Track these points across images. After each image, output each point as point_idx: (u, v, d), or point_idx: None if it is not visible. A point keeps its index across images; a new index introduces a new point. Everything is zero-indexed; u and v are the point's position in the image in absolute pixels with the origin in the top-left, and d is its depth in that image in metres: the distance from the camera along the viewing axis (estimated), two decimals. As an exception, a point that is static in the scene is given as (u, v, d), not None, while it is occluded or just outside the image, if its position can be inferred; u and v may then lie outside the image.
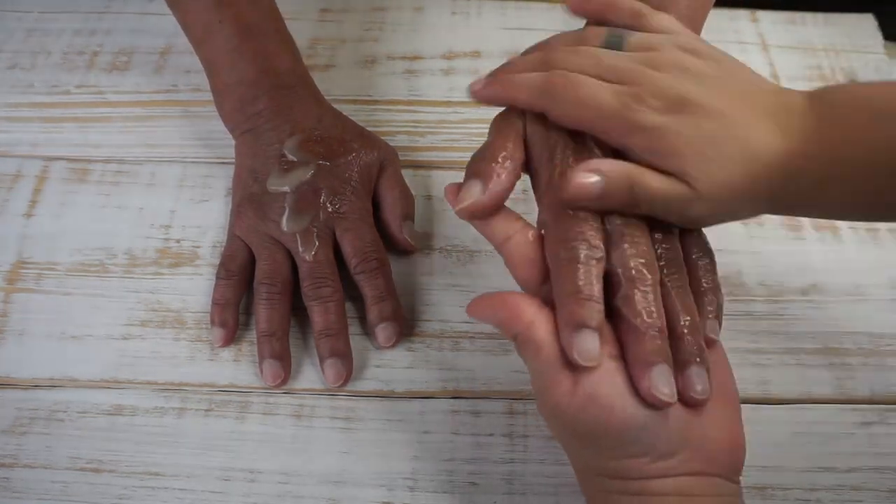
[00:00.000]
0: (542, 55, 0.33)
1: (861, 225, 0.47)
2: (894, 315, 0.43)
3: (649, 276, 0.30)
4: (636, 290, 0.29)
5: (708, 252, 0.33)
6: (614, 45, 0.32)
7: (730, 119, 0.30)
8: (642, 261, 0.30)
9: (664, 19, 0.33)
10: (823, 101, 0.31)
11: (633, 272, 0.30)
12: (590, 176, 0.30)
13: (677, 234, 0.32)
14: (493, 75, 0.34)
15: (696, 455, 0.29)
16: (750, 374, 0.41)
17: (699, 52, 0.32)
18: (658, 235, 0.32)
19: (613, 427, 0.28)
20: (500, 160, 0.32)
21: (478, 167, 0.32)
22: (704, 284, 0.32)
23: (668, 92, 0.30)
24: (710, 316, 0.32)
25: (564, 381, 0.29)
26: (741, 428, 0.30)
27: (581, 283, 0.29)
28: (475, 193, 0.32)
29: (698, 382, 0.29)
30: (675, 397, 0.28)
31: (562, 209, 0.31)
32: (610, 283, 0.31)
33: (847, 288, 0.44)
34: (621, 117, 0.30)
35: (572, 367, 0.29)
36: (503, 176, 0.32)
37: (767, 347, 0.42)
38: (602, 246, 0.30)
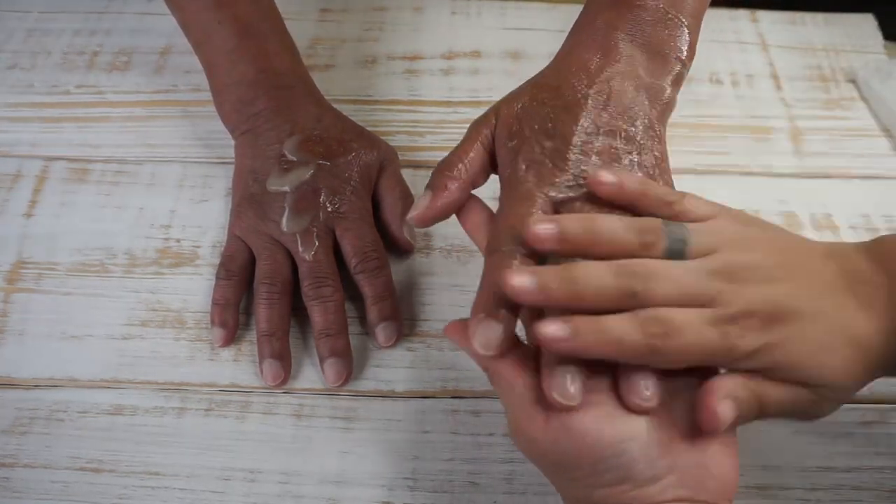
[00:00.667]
0: (624, 285, 0.29)
1: (861, 225, 0.47)
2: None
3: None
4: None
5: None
6: (677, 252, 0.30)
7: (825, 315, 0.29)
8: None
9: (692, 202, 0.32)
10: (883, 264, 0.31)
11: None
12: (726, 406, 0.28)
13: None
14: (574, 327, 0.28)
15: (683, 481, 0.28)
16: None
17: (751, 240, 0.31)
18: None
19: (587, 456, 0.28)
20: (453, 172, 0.35)
21: (433, 178, 0.35)
22: None
23: (759, 305, 0.29)
24: None
25: (537, 415, 0.29)
26: (735, 452, 0.29)
27: (494, 292, 0.30)
28: (423, 204, 0.34)
29: (643, 388, 0.28)
30: (578, 400, 0.28)
31: (511, 209, 0.32)
32: None
33: (847, 288, 0.44)
34: (727, 350, 0.28)
35: (544, 401, 0.28)
36: (454, 188, 0.34)
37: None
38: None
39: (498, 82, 0.54)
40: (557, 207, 0.32)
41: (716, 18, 0.58)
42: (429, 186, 0.35)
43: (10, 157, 0.50)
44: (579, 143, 0.33)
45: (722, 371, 0.29)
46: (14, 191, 0.48)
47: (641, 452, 0.28)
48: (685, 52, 0.37)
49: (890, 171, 0.50)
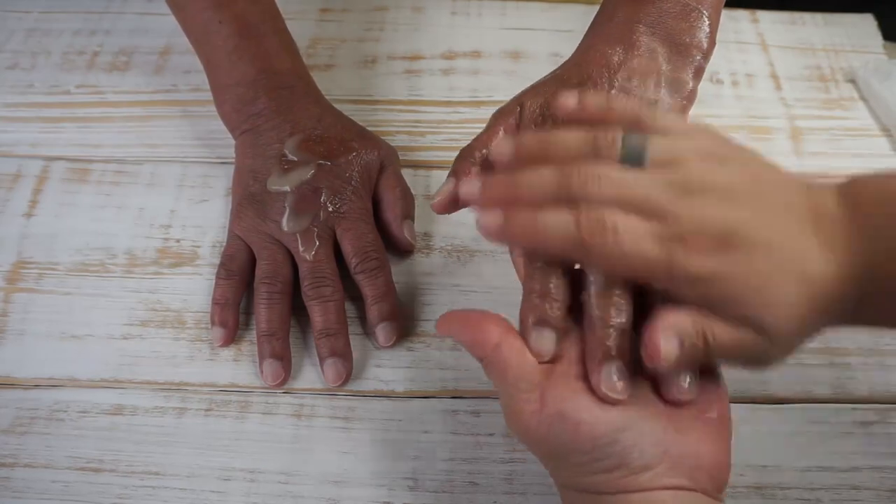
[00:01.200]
0: (555, 176, 0.29)
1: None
2: (894, 315, 0.43)
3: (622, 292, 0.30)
4: (603, 285, 0.30)
5: None
6: (635, 159, 0.29)
7: (780, 250, 0.27)
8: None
9: (669, 121, 0.31)
10: (856, 207, 0.28)
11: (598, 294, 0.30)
12: (670, 341, 0.27)
13: None
14: (509, 214, 0.29)
15: (676, 469, 0.28)
16: (750, 374, 0.41)
17: (723, 158, 0.29)
18: None
19: (582, 443, 0.28)
20: (476, 159, 0.34)
21: (456, 164, 0.35)
22: None
23: (711, 227, 0.27)
24: None
25: (531, 402, 0.29)
26: (728, 443, 0.29)
27: (543, 281, 0.30)
28: (446, 191, 0.34)
29: (680, 382, 0.29)
30: (626, 395, 0.28)
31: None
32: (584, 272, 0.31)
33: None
34: (669, 267, 0.27)
35: (538, 388, 0.29)
36: (476, 174, 0.34)
37: (767, 347, 0.42)
38: None
39: (498, 82, 0.54)
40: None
41: (716, 18, 0.58)
42: (451, 173, 0.35)
43: (10, 157, 0.50)
44: None
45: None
46: (14, 191, 0.48)
47: (634, 441, 0.28)
48: (706, 44, 0.36)
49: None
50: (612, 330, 0.29)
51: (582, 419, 0.28)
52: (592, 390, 0.29)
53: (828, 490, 0.37)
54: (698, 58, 0.36)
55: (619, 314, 0.29)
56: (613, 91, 0.34)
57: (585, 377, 0.29)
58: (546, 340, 0.30)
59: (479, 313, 0.31)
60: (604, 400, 0.28)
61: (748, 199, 0.28)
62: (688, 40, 0.36)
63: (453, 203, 0.35)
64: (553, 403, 0.28)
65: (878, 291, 0.28)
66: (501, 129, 0.35)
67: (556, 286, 0.30)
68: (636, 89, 0.34)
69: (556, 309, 0.30)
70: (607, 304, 0.29)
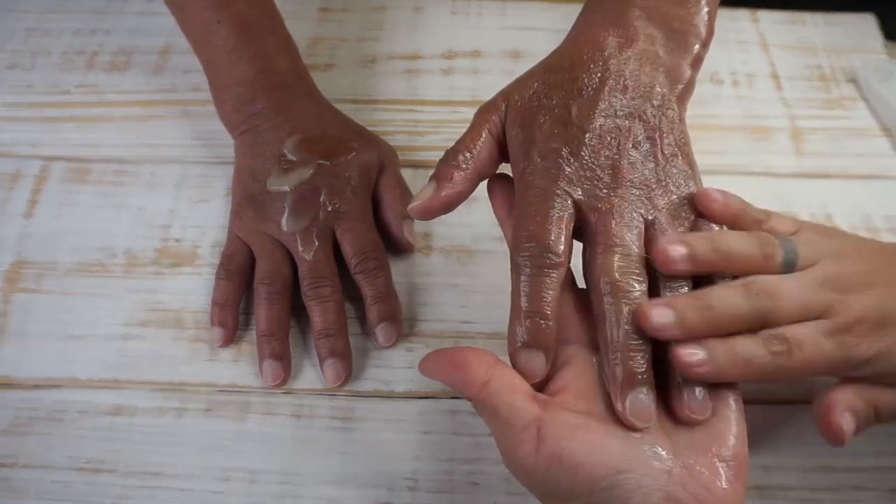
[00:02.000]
0: (755, 308, 0.29)
1: (861, 225, 0.47)
2: (895, 315, 0.43)
3: (633, 290, 0.29)
4: (618, 305, 0.29)
5: None
6: (790, 264, 0.31)
7: None
8: (627, 271, 0.29)
9: (777, 220, 0.33)
10: None
11: (615, 285, 0.29)
12: (847, 419, 0.30)
13: (686, 230, 0.31)
14: (709, 350, 0.29)
15: None
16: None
17: (848, 252, 0.32)
18: (659, 233, 0.31)
19: (580, 487, 0.27)
20: (459, 161, 0.33)
21: (438, 168, 0.34)
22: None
23: (867, 315, 0.30)
24: None
25: (527, 441, 0.28)
26: (742, 486, 0.28)
27: (532, 297, 0.29)
28: (425, 195, 0.33)
29: (695, 400, 0.28)
30: (653, 420, 0.28)
31: (528, 206, 0.31)
32: (590, 290, 0.30)
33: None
34: (845, 360, 0.29)
35: (533, 426, 0.28)
36: (458, 179, 0.33)
37: (768, 347, 0.42)
38: (563, 253, 0.30)
39: (498, 82, 0.53)
40: (580, 205, 0.31)
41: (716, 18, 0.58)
42: (433, 177, 0.34)
43: (10, 157, 0.50)
44: (597, 128, 0.32)
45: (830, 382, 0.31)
46: (14, 191, 0.48)
47: (637, 484, 0.26)
48: (704, 32, 0.35)
49: (890, 171, 0.50)
50: (636, 353, 0.28)
51: (582, 461, 0.27)
52: (593, 428, 0.28)
53: (829, 491, 0.37)
54: (696, 46, 0.34)
55: (638, 336, 0.29)
56: (607, 84, 0.33)
57: (586, 412, 0.28)
58: (536, 362, 0.29)
59: (462, 351, 0.30)
60: (630, 428, 0.28)
61: (880, 279, 0.31)
62: (685, 27, 0.34)
63: (435, 210, 0.33)
64: (550, 443, 0.27)
65: None
66: (485, 130, 0.34)
67: (547, 303, 0.30)
68: (631, 76, 0.33)
69: (546, 328, 0.29)
70: (630, 326, 0.29)
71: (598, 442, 0.27)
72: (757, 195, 0.48)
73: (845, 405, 0.30)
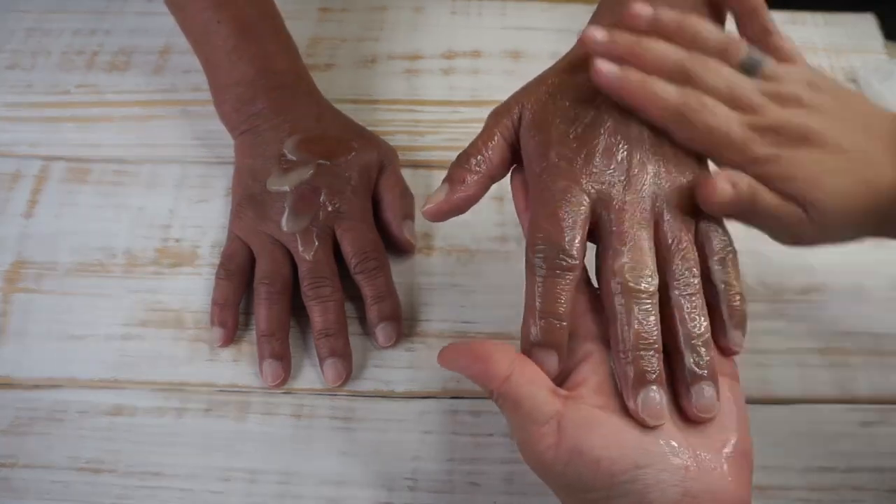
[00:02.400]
0: (681, 63, 0.32)
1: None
2: (895, 315, 0.43)
3: (644, 289, 0.29)
4: (629, 304, 0.29)
5: (728, 253, 0.32)
6: (750, 69, 0.33)
7: (850, 154, 0.31)
8: (637, 270, 0.29)
9: (788, 45, 0.34)
10: None
11: (626, 284, 0.29)
12: (725, 185, 0.30)
13: (691, 229, 0.31)
14: (624, 69, 0.32)
15: None
16: (751, 374, 0.41)
17: (821, 87, 0.33)
18: (666, 230, 0.31)
19: (601, 481, 0.27)
20: (471, 165, 0.33)
21: (451, 171, 0.34)
22: (723, 290, 0.31)
23: (791, 126, 0.31)
24: (732, 326, 0.31)
25: (547, 435, 0.28)
26: (749, 478, 0.28)
27: (545, 297, 0.30)
28: (438, 198, 0.33)
29: (703, 399, 0.28)
30: (666, 418, 0.28)
31: (545, 207, 0.31)
32: (601, 289, 0.30)
33: (848, 288, 0.44)
34: (744, 148, 0.31)
35: (554, 421, 0.28)
36: (471, 182, 0.33)
37: (768, 347, 0.42)
38: (577, 254, 0.30)
39: (498, 82, 0.54)
40: (594, 205, 0.31)
41: (716, 18, 0.58)
42: (446, 179, 0.34)
43: (10, 157, 0.50)
44: (611, 128, 0.32)
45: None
46: (14, 191, 0.48)
47: (655, 479, 0.27)
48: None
49: (890, 171, 0.50)
50: (644, 352, 0.29)
51: (602, 455, 0.27)
52: (612, 423, 0.28)
53: (829, 491, 0.37)
54: None
55: (649, 334, 0.29)
56: None
57: (605, 407, 0.28)
58: (549, 361, 0.30)
59: (485, 344, 0.30)
60: (642, 425, 0.28)
61: (832, 116, 0.32)
62: None
63: (448, 213, 0.33)
64: (571, 438, 0.27)
65: None
66: (498, 133, 0.34)
67: (561, 304, 0.30)
68: None
69: (560, 328, 0.30)
70: (636, 325, 0.29)
71: (617, 437, 0.27)
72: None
73: (729, 177, 0.31)
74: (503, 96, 0.36)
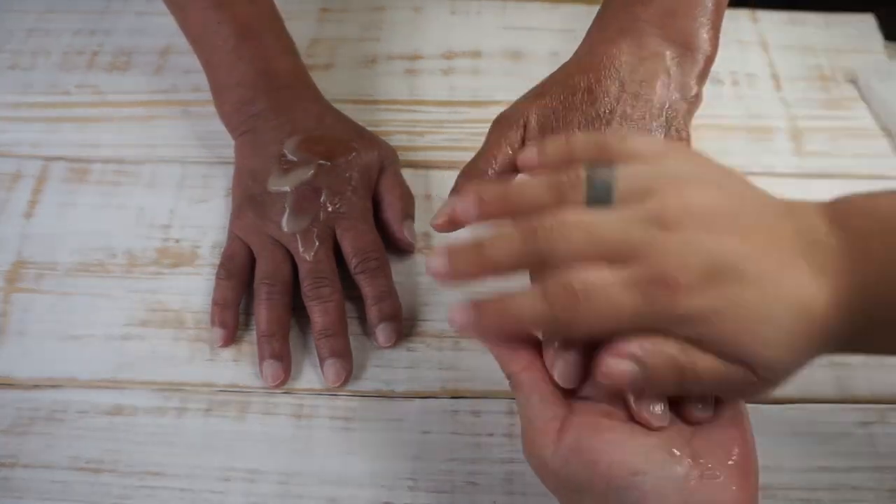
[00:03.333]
0: (521, 234, 0.27)
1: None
2: (894, 315, 0.43)
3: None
4: None
5: None
6: (603, 197, 0.27)
7: (772, 280, 0.26)
8: None
9: (636, 143, 0.29)
10: (845, 229, 0.27)
11: None
12: (621, 363, 0.26)
13: None
14: (477, 306, 0.27)
15: None
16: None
17: (699, 181, 0.27)
18: None
19: (597, 483, 0.26)
20: (480, 177, 0.34)
21: (458, 181, 0.34)
22: None
23: (695, 262, 0.25)
24: None
25: (549, 433, 0.27)
26: (755, 490, 0.27)
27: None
28: (447, 211, 0.31)
29: (651, 408, 0.28)
30: (667, 421, 0.27)
31: None
32: None
33: (847, 288, 0.44)
34: (654, 315, 0.25)
35: (558, 420, 0.28)
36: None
37: (767, 347, 0.42)
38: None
39: (498, 82, 0.54)
40: None
41: (716, 18, 0.58)
42: (453, 191, 0.34)
43: (10, 157, 0.50)
44: (615, 129, 0.32)
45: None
46: (14, 191, 0.48)
47: (654, 488, 0.26)
48: (710, 47, 0.36)
49: (890, 172, 0.50)
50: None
51: (600, 458, 0.26)
52: (615, 427, 0.27)
53: (828, 490, 0.37)
54: (703, 60, 0.36)
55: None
56: (621, 103, 0.33)
57: (611, 415, 0.28)
58: (571, 366, 0.28)
59: (517, 329, 0.28)
60: (644, 426, 0.27)
61: (731, 226, 0.26)
62: (694, 42, 0.35)
63: (458, 225, 0.32)
64: (571, 436, 0.27)
65: (873, 317, 0.27)
66: (506, 144, 0.34)
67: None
68: (645, 98, 0.34)
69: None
70: None
71: (619, 441, 0.27)
72: (757, 195, 0.49)
73: (631, 353, 0.25)
74: (503, 96, 0.36)
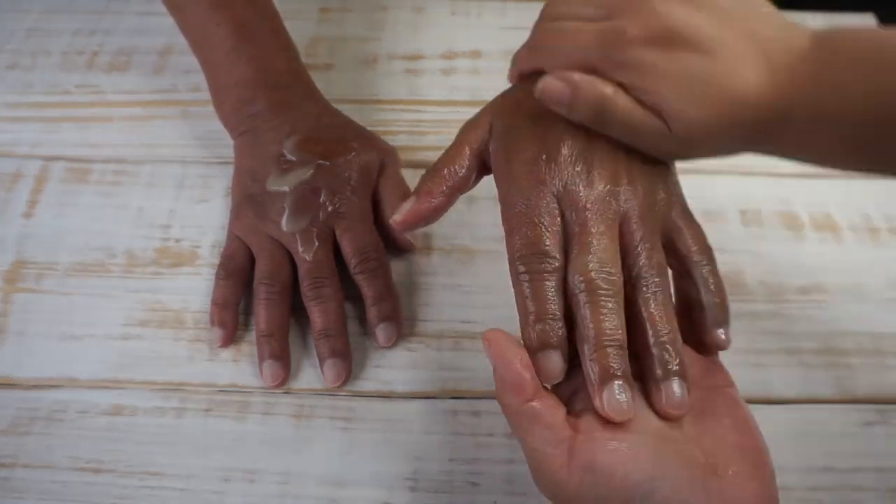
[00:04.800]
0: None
1: (861, 225, 0.47)
2: (895, 314, 0.43)
3: (606, 287, 0.29)
4: (592, 302, 0.29)
5: (703, 247, 0.32)
6: None
7: (717, 56, 0.28)
8: (600, 268, 0.29)
9: None
10: (827, 46, 0.29)
11: (590, 282, 0.29)
12: (557, 82, 0.30)
13: (657, 228, 0.31)
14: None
15: None
16: (750, 374, 0.41)
17: None
18: (633, 229, 0.31)
19: (616, 497, 0.26)
20: (439, 178, 0.34)
21: (419, 184, 0.34)
22: (703, 284, 0.31)
23: (655, 24, 0.29)
24: (715, 321, 0.31)
25: (559, 455, 0.27)
26: (771, 475, 0.28)
27: (536, 301, 0.29)
28: (405, 209, 0.34)
29: (674, 395, 0.28)
30: (632, 413, 0.28)
31: (516, 213, 0.31)
32: (567, 290, 0.30)
33: (847, 288, 0.44)
34: (605, 56, 0.30)
35: (566, 443, 0.28)
36: (439, 193, 0.34)
37: (768, 347, 0.42)
38: (558, 254, 0.30)
39: (498, 82, 0.53)
40: (560, 204, 0.31)
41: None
42: (414, 192, 0.34)
43: (10, 157, 0.50)
44: (574, 132, 0.32)
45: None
46: (14, 191, 0.48)
47: (673, 491, 0.26)
48: None
49: (890, 171, 0.50)
50: (608, 348, 0.28)
51: (615, 469, 0.27)
52: (623, 438, 0.27)
53: (829, 491, 0.37)
54: None
55: (613, 331, 0.29)
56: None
57: (616, 426, 0.28)
58: (553, 361, 0.29)
59: (518, 353, 0.29)
60: (609, 420, 0.28)
61: (714, 13, 0.29)
62: None
63: (414, 223, 0.34)
64: (582, 454, 0.27)
65: (818, 124, 0.29)
66: (467, 147, 0.34)
67: (553, 303, 0.30)
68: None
69: (557, 328, 0.29)
70: (600, 323, 0.29)
71: (630, 451, 0.27)
72: (758, 196, 0.49)
73: (570, 75, 0.30)
74: (495, 97, 0.36)
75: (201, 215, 0.47)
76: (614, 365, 0.28)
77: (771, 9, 0.30)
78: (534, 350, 0.29)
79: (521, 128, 0.33)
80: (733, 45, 0.28)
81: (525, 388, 0.28)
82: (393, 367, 0.41)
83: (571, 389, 0.31)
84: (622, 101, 0.29)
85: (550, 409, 0.28)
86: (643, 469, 0.26)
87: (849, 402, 0.40)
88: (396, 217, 0.34)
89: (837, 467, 0.38)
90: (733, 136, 0.30)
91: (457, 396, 0.40)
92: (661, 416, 0.28)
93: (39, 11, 0.58)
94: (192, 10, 0.46)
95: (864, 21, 0.58)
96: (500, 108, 0.35)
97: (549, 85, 0.30)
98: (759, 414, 0.39)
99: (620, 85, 0.30)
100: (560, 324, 0.30)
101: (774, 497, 0.28)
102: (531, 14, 0.56)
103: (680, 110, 0.29)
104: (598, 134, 0.32)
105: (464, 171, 0.34)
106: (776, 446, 0.38)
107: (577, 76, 0.30)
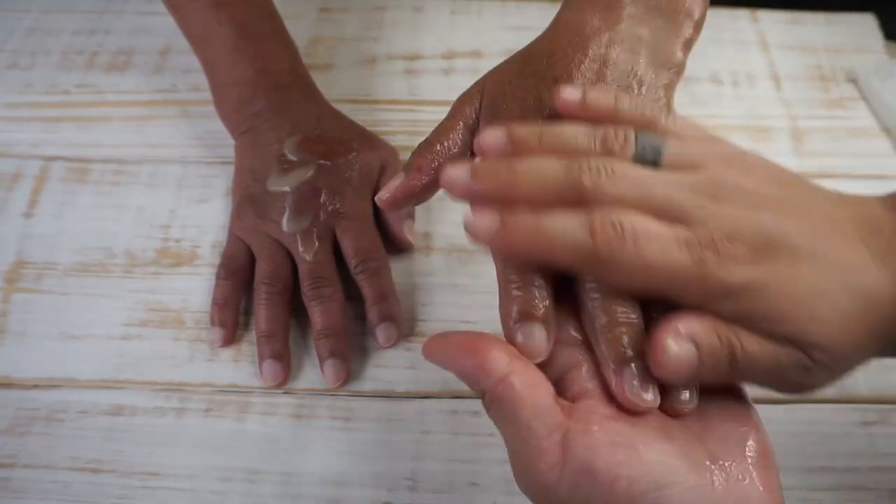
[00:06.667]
0: (562, 168, 0.25)
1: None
2: (895, 315, 0.43)
3: None
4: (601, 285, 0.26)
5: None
6: (649, 158, 0.25)
7: (828, 260, 0.24)
8: None
9: (685, 124, 0.27)
10: None
11: None
12: (682, 345, 0.23)
13: None
14: (506, 218, 0.25)
15: None
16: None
17: (745, 165, 0.26)
18: None
19: None
20: (431, 153, 0.33)
21: (410, 159, 0.33)
22: None
23: (747, 233, 0.23)
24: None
25: (550, 451, 0.23)
26: (777, 480, 0.26)
27: (515, 271, 0.27)
28: (393, 185, 0.33)
29: (679, 401, 0.25)
30: (658, 402, 0.24)
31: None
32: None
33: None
34: (702, 279, 0.23)
35: (558, 433, 0.23)
36: (428, 170, 0.32)
37: (768, 347, 0.42)
38: None
39: (498, 82, 0.54)
40: None
41: (716, 18, 0.58)
42: (403, 168, 0.33)
43: (10, 157, 0.50)
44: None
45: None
46: (14, 191, 0.48)
47: (680, 500, 0.23)
48: (697, 13, 0.33)
49: (891, 171, 0.50)
50: (623, 328, 0.25)
51: (618, 475, 0.23)
52: (626, 437, 0.24)
53: (829, 491, 0.37)
54: (687, 26, 0.32)
55: (627, 310, 0.25)
56: (582, 69, 0.30)
57: (616, 419, 0.24)
58: (537, 336, 0.26)
59: (481, 337, 0.26)
60: (631, 409, 0.24)
61: (783, 207, 0.25)
62: (676, 6, 0.32)
63: (402, 200, 0.32)
64: (579, 455, 0.23)
65: None
66: (460, 121, 0.33)
67: (537, 270, 0.27)
68: (617, 61, 0.30)
69: (542, 299, 0.26)
70: (612, 302, 0.25)
71: (635, 453, 0.23)
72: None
73: (689, 332, 0.23)
74: (491, 69, 0.36)
75: (201, 215, 0.47)
76: (629, 346, 0.25)
77: (816, 185, 0.27)
78: (514, 325, 0.26)
79: (511, 103, 0.32)
80: (832, 243, 0.24)
81: (491, 366, 0.24)
82: (393, 366, 0.41)
83: (559, 372, 0.26)
84: (747, 341, 0.23)
85: (533, 388, 0.24)
86: (650, 476, 0.23)
87: (848, 402, 0.40)
88: (382, 194, 0.32)
89: (837, 467, 0.38)
90: (877, 342, 0.25)
91: (457, 396, 0.40)
92: (667, 412, 0.26)
93: (39, 11, 0.58)
94: (192, 9, 0.46)
95: (865, 21, 0.58)
96: (492, 81, 0.34)
97: (674, 351, 0.23)
98: (759, 414, 0.39)
99: (726, 312, 0.24)
100: (545, 292, 0.26)
101: (780, 502, 0.26)
102: (532, 13, 0.56)
103: (822, 334, 0.23)
104: None
105: (457, 147, 0.33)
106: (776, 446, 0.39)
107: (696, 327, 0.23)
